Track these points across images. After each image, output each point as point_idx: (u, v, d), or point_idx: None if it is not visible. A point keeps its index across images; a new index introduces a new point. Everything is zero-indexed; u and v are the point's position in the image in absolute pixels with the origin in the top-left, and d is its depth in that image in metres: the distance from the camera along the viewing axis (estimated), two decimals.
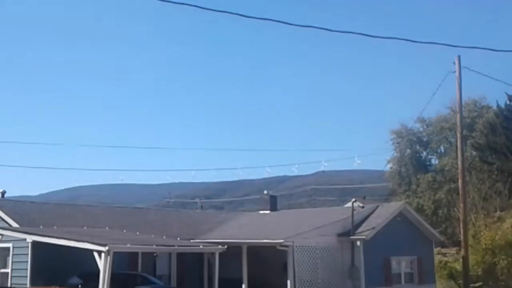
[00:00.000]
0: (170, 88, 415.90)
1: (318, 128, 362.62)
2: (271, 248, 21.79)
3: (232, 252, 21.72)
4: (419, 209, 45.26)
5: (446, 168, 49.03)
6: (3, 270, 21.24)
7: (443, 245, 36.88)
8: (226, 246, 20.95)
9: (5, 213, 22.02)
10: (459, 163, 26.15)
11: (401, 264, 25.79)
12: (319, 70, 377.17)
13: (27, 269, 20.05)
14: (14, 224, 21.27)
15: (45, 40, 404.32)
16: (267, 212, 30.30)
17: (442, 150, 53.58)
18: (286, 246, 21.64)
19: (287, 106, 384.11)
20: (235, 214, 34.31)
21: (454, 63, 25.42)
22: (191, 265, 23.63)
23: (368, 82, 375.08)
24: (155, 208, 39.03)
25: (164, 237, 22.61)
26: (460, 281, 28.22)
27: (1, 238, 20.53)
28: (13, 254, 21.11)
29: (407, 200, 44.58)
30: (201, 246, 21.37)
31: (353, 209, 24.15)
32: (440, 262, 33.53)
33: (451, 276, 32.63)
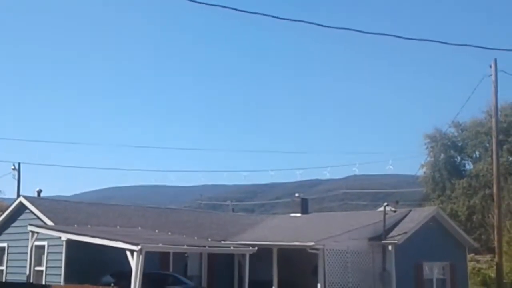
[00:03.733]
0: (202, 90, 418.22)
1: (351, 131, 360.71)
2: (302, 251, 21.81)
3: (262, 254, 21.79)
4: (453, 215, 44.70)
5: (481, 174, 48.30)
6: (38, 268, 21.64)
7: (477, 252, 36.37)
8: (256, 248, 20.99)
9: (41, 212, 22.47)
10: (494, 168, 25.81)
11: (433, 270, 25.52)
12: (352, 75, 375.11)
13: (61, 267, 20.44)
14: (49, 223, 21.69)
15: (85, 41, 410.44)
16: (298, 215, 30.30)
17: (477, 155, 52.78)
18: (317, 249, 21.64)
19: (321, 110, 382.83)
20: (265, 217, 34.40)
21: (490, 66, 25.12)
22: (222, 266, 23.77)
23: (403, 86, 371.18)
24: (187, 210, 39.25)
25: (196, 238, 22.80)
26: None
27: (37, 236, 20.95)
28: (48, 252, 21.55)
29: (441, 205, 44.07)
30: (231, 248, 21.49)
31: (385, 213, 24.01)
32: (474, 268, 33.06)
33: (485, 283, 32.15)
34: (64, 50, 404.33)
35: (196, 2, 11.12)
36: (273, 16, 12.17)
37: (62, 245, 20.30)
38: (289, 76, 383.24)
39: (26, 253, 21.42)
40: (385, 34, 14.31)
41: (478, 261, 35.99)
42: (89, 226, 21.88)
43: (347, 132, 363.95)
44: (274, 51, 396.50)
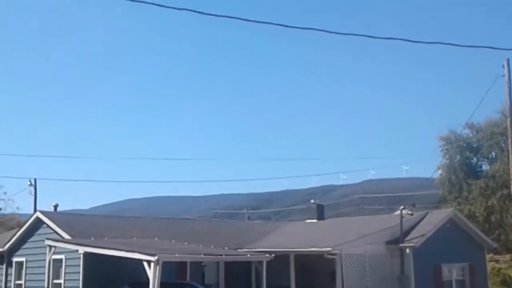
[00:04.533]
0: (215, 98, 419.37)
1: (365, 136, 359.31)
2: (319, 256, 21.76)
3: (279, 261, 21.77)
4: (471, 216, 44.35)
5: (498, 174, 47.89)
6: (56, 281, 21.76)
7: (496, 252, 36.05)
8: (273, 255, 20.99)
9: (58, 226, 22.61)
10: (511, 168, 25.58)
11: (453, 272, 25.33)
12: (365, 80, 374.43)
13: (79, 279, 20.55)
14: (66, 236, 21.82)
15: (101, 51, 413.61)
16: (314, 221, 30.23)
17: (493, 156, 52.40)
18: (334, 254, 21.59)
19: (333, 115, 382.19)
20: (282, 224, 34.38)
21: (503, 66, 24.97)
22: (239, 274, 23.76)
23: (415, 89, 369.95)
24: (203, 219, 39.38)
25: (212, 246, 22.82)
26: None
27: (54, 250, 21.07)
28: (65, 265, 21.66)
29: (458, 207, 43.76)
30: (248, 255, 21.48)
31: (401, 216, 23.90)
32: (493, 269, 32.81)
33: (505, 283, 31.89)
34: (79, 62, 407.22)
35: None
36: (280, 25, 12.19)
37: (80, 258, 20.41)
38: (299, 82, 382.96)
39: (44, 267, 21.54)
40: (395, 38, 14.32)
41: (497, 261, 35.71)
42: (105, 238, 21.96)
43: (361, 137, 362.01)
44: (281, 55, 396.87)
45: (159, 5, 10.75)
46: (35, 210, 35.00)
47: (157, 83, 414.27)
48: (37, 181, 46.53)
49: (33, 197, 45.86)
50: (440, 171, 54.07)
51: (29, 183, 46.43)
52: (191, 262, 21.78)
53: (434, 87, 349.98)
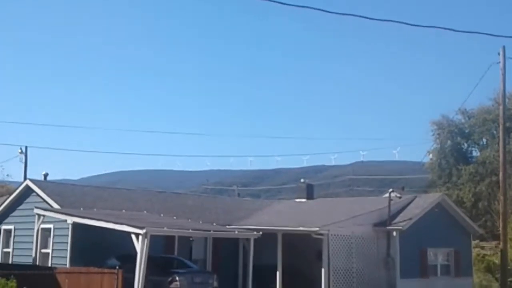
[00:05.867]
0: (209, 76, 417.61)
1: (358, 118, 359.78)
2: (306, 236, 21.87)
3: (267, 239, 21.86)
4: (459, 202, 44.57)
5: (488, 161, 48.08)
6: (44, 250, 21.81)
7: (482, 238, 36.32)
8: (261, 233, 21.07)
9: (47, 195, 22.57)
10: (501, 155, 25.71)
11: (438, 256, 25.57)
12: (360, 61, 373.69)
13: (67, 249, 20.61)
14: (56, 206, 21.80)
15: (90, 27, 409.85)
16: (304, 200, 30.32)
17: (484, 142, 52.55)
18: (321, 234, 21.70)
19: (326, 95, 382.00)
20: (271, 202, 34.45)
21: (499, 53, 24.93)
22: (227, 250, 23.86)
23: (410, 72, 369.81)
24: (193, 194, 39.34)
25: (201, 222, 22.89)
26: (498, 275, 27.80)
27: (43, 219, 21.07)
28: (54, 235, 21.69)
29: (447, 192, 43.94)
30: (236, 232, 21.56)
31: (390, 199, 24.02)
32: (478, 255, 33.05)
33: (489, 269, 32.16)
34: (68, 36, 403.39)
35: None
36: (276, 1, 12.05)
37: (68, 228, 20.45)
38: (295, 62, 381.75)
39: (32, 235, 21.57)
40: (392, 20, 14.21)
41: (482, 248, 35.96)
42: (95, 209, 22.00)
43: (354, 119, 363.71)
44: (275, 35, 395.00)
45: None
46: (25, 178, 34.99)
47: (151, 56, 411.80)
48: (28, 149, 46.36)
49: (23, 165, 45.70)
50: (430, 156, 54.21)
51: (20, 150, 46.22)
52: (179, 237, 21.85)
53: (430, 71, 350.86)
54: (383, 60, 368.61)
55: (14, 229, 24.11)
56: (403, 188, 30.29)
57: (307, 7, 12.76)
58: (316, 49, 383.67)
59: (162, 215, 23.24)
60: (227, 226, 23.38)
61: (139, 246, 17.11)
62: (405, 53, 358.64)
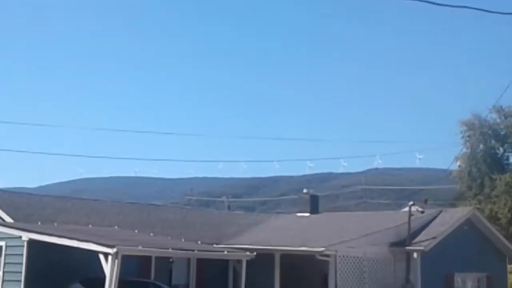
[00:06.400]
0: (195, 65, 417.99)
1: (372, 118, 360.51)
2: (310, 257, 21.87)
3: (262, 261, 21.86)
4: (492, 217, 44.65)
5: None
6: None
7: None
8: (255, 253, 21.05)
9: None
10: None
11: (467, 283, 25.64)
12: (374, 55, 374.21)
13: (21, 272, 20.43)
14: (8, 219, 21.74)
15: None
16: (307, 215, 30.37)
17: None
18: (328, 255, 21.72)
19: (336, 93, 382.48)
20: (267, 216, 34.52)
21: None
22: (214, 274, 23.88)
23: (433, 65, 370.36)
24: (174, 206, 39.44)
25: (183, 240, 22.88)
26: None
27: None
28: (5, 254, 21.50)
29: (478, 206, 44.06)
30: (225, 252, 21.55)
31: (410, 214, 24.07)
32: None
33: None
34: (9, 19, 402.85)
35: None
36: None
37: (23, 246, 20.31)
38: (299, 55, 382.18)
39: None
40: None
41: None
42: (56, 224, 21.95)
43: (368, 119, 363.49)
44: (281, 26, 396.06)
45: None
46: None
47: (123, 50, 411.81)
48: None
49: None
50: (459, 162, 54.31)
51: None
52: (156, 258, 21.83)
53: (458, 62, 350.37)
54: (402, 53, 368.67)
55: None
56: (426, 201, 30.40)
57: None
58: (328, 41, 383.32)
59: (136, 231, 23.23)
60: (215, 245, 23.39)
61: (109, 268, 17.06)
62: (428, 41, 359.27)
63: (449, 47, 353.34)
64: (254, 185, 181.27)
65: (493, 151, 53.95)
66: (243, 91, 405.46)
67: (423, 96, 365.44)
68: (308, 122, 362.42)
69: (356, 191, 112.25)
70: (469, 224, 25.87)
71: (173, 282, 23.14)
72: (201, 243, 22.87)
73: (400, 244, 23.80)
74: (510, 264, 30.13)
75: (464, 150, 54.05)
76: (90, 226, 22.66)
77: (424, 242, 23.54)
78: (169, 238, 22.78)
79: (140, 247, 18.40)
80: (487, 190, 51.13)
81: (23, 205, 23.79)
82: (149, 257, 21.83)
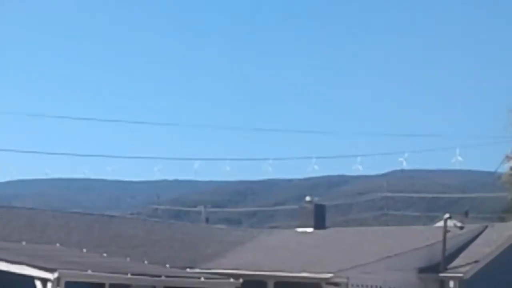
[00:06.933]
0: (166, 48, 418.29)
1: (397, 105, 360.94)
2: (313, 286, 21.94)
3: None
4: None
5: None
6: None
7: None
8: (241, 280, 21.14)
9: None
10: None
11: None
12: (399, 27, 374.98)
13: None
14: None
15: None
16: (310, 230, 30.41)
17: None
18: (337, 284, 21.76)
19: (351, 74, 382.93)
20: (258, 232, 34.51)
21: None
22: None
23: (475, 42, 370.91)
24: (134, 218, 39.41)
25: (146, 262, 22.87)
26: None
27: None
28: None
29: None
30: (202, 279, 21.54)
31: (445, 230, 24.13)
32: None
33: None
34: None
35: None
36: None
37: None
38: (297, 24, 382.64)
39: None
40: None
41: None
42: None
43: (391, 107, 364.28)
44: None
45: None
46: None
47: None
48: None
49: None
50: (510, 163, 54.59)
51: None
52: (111, 285, 21.80)
53: (506, 40, 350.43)
54: (435, 25, 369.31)
55: None
56: (466, 213, 30.56)
57: None
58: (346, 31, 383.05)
59: (85, 250, 23.21)
60: (188, 270, 23.43)
61: None
62: (467, 19, 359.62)
63: (494, 22, 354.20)
64: (241, 192, 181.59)
65: None
66: (229, 73, 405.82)
67: (462, 80, 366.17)
68: (314, 111, 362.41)
69: (375, 200, 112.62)
70: None
71: None
72: (170, 266, 22.86)
73: (432, 269, 23.90)
74: None
75: None
76: (24, 243, 22.60)
77: (463, 268, 23.63)
78: (128, 259, 22.76)
79: (89, 272, 18.43)
80: None
81: None
82: (102, 285, 21.79)
